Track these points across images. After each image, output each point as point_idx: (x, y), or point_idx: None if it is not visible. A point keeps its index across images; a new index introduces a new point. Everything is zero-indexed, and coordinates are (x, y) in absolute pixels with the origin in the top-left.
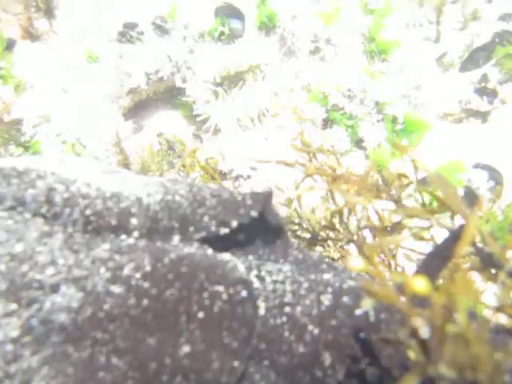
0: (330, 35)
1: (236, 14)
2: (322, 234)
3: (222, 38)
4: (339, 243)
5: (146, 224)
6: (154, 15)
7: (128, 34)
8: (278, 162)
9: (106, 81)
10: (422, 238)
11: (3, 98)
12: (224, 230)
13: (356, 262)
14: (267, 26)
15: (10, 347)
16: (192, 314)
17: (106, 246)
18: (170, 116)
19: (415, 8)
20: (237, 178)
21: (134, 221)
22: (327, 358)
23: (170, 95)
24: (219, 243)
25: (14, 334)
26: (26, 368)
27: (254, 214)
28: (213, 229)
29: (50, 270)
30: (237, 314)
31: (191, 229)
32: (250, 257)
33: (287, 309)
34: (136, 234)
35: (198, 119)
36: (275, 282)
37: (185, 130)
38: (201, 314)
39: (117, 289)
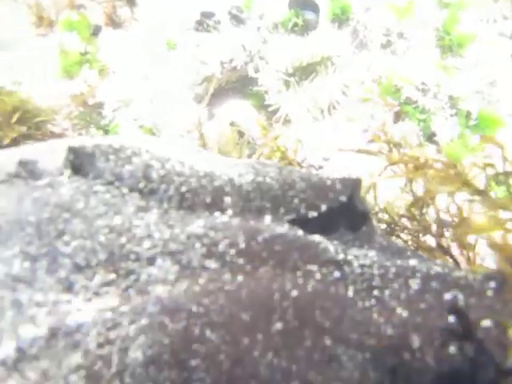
0: (403, 28)
1: (310, 5)
2: (400, 224)
3: (296, 29)
4: (416, 234)
5: (239, 203)
6: (230, 5)
7: (205, 22)
8: (360, 150)
9: (183, 68)
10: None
11: (89, 81)
12: (313, 214)
13: None
14: (340, 18)
15: (109, 315)
16: (285, 291)
17: (201, 222)
18: (241, 105)
19: (490, 3)
20: (308, 167)
21: (227, 199)
22: (416, 341)
23: (241, 85)
24: (306, 226)
25: (113, 302)
26: (124, 336)
27: (342, 198)
28: (302, 211)
29: (147, 243)
30: (330, 294)
31: (282, 210)
32: (335, 242)
33: (375, 292)
34: (230, 212)
35: (270, 109)
36: (362, 266)
37: (255, 120)
38: (294, 292)
39: (212, 264)
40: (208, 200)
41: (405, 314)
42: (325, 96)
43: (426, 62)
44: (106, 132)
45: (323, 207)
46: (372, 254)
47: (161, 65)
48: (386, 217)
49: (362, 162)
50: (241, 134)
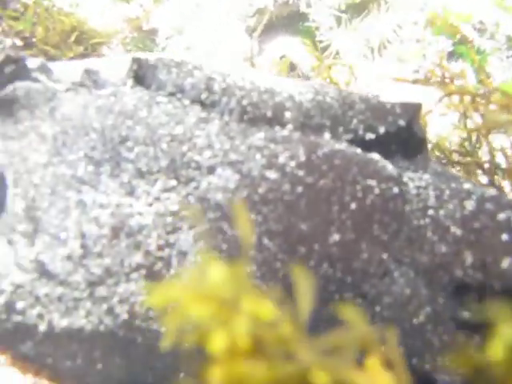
0: None
1: None
2: (451, 159)
3: None
4: (468, 169)
5: (300, 119)
6: None
7: None
8: (415, 81)
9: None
10: None
11: (144, 5)
12: (370, 135)
13: None
14: None
15: (169, 219)
16: (344, 204)
17: (261, 134)
18: (291, 41)
19: None
20: None
21: (288, 114)
22: (468, 258)
23: (291, 20)
24: (363, 147)
25: (174, 207)
26: (184, 240)
27: (401, 123)
28: (360, 132)
29: (207, 153)
30: (388, 209)
31: (340, 129)
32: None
33: (430, 211)
34: (290, 126)
35: (321, 45)
36: (418, 187)
37: (304, 56)
38: (353, 205)
39: (272, 174)
40: (269, 114)
41: (459, 232)
42: (376, 35)
43: (484, 0)
44: None
45: (381, 129)
46: (427, 177)
47: None
48: (436, 152)
49: (414, 99)
50: (292, 66)
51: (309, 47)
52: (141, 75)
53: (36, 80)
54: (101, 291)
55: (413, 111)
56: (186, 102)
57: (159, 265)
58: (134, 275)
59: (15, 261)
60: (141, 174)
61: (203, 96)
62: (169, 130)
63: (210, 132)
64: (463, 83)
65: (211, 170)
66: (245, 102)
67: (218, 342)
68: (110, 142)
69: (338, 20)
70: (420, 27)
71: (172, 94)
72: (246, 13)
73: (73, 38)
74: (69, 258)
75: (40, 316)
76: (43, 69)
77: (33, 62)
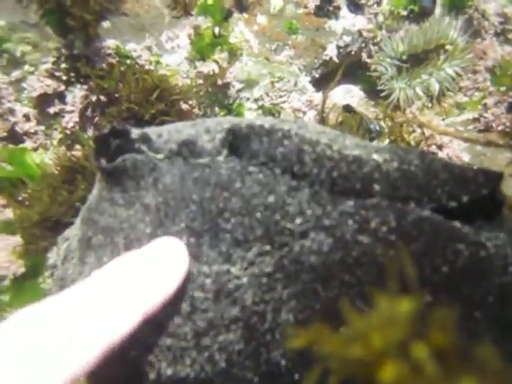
0: None
1: None
2: None
3: (411, 16)
4: None
5: (388, 191)
6: None
7: (325, 7)
8: (488, 142)
9: (303, 52)
10: None
11: (220, 63)
12: (453, 204)
13: None
14: (457, 6)
15: (264, 280)
16: (436, 267)
17: (351, 202)
18: (351, 89)
19: None
20: None
21: (376, 186)
22: None
23: (354, 69)
24: (445, 214)
25: (268, 269)
26: (278, 298)
27: (484, 191)
28: (444, 201)
29: (299, 220)
30: (478, 270)
31: (425, 199)
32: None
33: (510, 268)
34: (378, 198)
35: (382, 94)
36: (496, 245)
37: (364, 104)
38: (445, 268)
39: (365, 239)
40: (358, 186)
41: None
42: (436, 83)
43: None
44: (230, 111)
45: (464, 198)
46: (503, 235)
47: (282, 48)
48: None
49: (474, 153)
50: (359, 119)
51: (380, 106)
52: (235, 145)
53: (139, 150)
54: (205, 341)
55: (495, 179)
56: (278, 171)
57: (255, 318)
58: (233, 327)
59: None
60: (238, 243)
61: (295, 168)
62: (262, 200)
63: (301, 200)
64: None
65: (304, 234)
66: (335, 174)
67: (393, 370)
68: (209, 213)
69: (400, 69)
70: (480, 76)
71: (264, 164)
72: (312, 65)
73: (155, 96)
74: (178, 313)
75: (151, 364)
76: (144, 138)
77: (135, 133)
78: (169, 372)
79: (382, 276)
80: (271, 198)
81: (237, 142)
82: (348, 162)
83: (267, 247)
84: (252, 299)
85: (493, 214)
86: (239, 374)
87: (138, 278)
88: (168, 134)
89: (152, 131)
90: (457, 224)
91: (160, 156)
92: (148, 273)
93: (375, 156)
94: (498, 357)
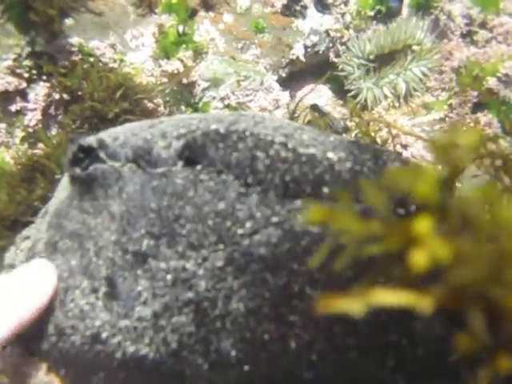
0: (486, 19)
1: None
2: None
3: (379, 16)
4: None
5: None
6: None
7: (293, 7)
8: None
9: (270, 51)
10: None
11: (185, 61)
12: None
13: None
14: (423, 6)
15: (217, 272)
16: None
17: (298, 201)
18: (320, 88)
19: None
20: None
21: (325, 189)
22: None
23: (321, 69)
24: None
25: (219, 263)
26: (229, 287)
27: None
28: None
29: (249, 223)
30: None
31: None
32: None
33: None
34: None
35: (349, 94)
36: None
37: (332, 103)
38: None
39: (314, 229)
40: (308, 190)
41: None
42: (403, 83)
43: (509, 53)
44: (196, 110)
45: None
46: None
47: (248, 47)
48: None
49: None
50: (323, 117)
51: (349, 103)
52: (191, 157)
53: (98, 158)
54: (161, 322)
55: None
56: (230, 178)
57: (206, 303)
58: (185, 309)
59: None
60: (193, 247)
61: (249, 179)
62: (213, 207)
63: (250, 204)
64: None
65: (254, 233)
66: (287, 178)
67: (426, 223)
68: (166, 220)
69: (367, 69)
70: (446, 76)
71: (220, 172)
72: (279, 64)
73: (119, 94)
74: (143, 303)
75: (118, 344)
76: (102, 145)
77: (92, 140)
78: (131, 349)
79: (330, 263)
80: (221, 205)
81: (193, 154)
82: (301, 163)
83: (220, 246)
84: (205, 287)
85: None
86: (189, 358)
87: (13, 294)
88: (124, 136)
89: (108, 134)
90: None
91: (117, 164)
92: (21, 290)
93: (330, 154)
94: None
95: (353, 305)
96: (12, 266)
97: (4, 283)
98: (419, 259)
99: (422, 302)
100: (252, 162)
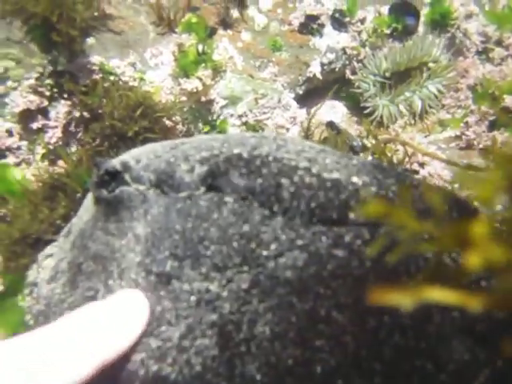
0: (502, 36)
1: (411, 10)
2: None
3: (395, 34)
4: None
5: (362, 219)
6: (333, 9)
7: (309, 25)
8: (468, 166)
9: (287, 69)
10: None
11: (204, 80)
12: None
13: None
14: (439, 24)
15: (242, 294)
16: (411, 274)
17: (324, 227)
18: (335, 105)
19: None
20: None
21: (351, 215)
22: None
23: (337, 86)
24: None
25: (244, 286)
26: (254, 311)
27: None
28: None
29: (274, 245)
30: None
31: None
32: None
33: None
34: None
35: (365, 111)
36: None
37: (347, 120)
38: (419, 275)
39: (339, 252)
40: (334, 216)
41: None
42: (418, 101)
43: None
44: (213, 127)
45: None
46: None
47: (266, 65)
48: None
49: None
50: (340, 134)
51: (365, 124)
52: (214, 184)
53: (124, 181)
54: (184, 343)
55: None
56: (255, 204)
57: (230, 327)
58: (209, 332)
59: None
60: (217, 269)
61: (275, 208)
62: (237, 229)
63: (275, 227)
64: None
65: (279, 255)
66: (313, 205)
67: (483, 226)
68: (191, 241)
69: (383, 86)
70: (462, 94)
71: (244, 198)
72: (296, 82)
73: (138, 112)
74: (167, 324)
75: (142, 361)
76: (126, 168)
77: (116, 163)
78: (155, 368)
79: (357, 287)
80: (246, 227)
81: (216, 182)
82: (326, 189)
83: (245, 268)
84: (229, 309)
85: None
86: (213, 381)
87: (100, 329)
88: (147, 159)
89: (131, 156)
90: None
91: (142, 187)
92: (110, 325)
93: (355, 179)
94: None
95: (404, 299)
96: (34, 285)
97: (96, 313)
98: (474, 260)
99: (473, 302)
100: (277, 189)
